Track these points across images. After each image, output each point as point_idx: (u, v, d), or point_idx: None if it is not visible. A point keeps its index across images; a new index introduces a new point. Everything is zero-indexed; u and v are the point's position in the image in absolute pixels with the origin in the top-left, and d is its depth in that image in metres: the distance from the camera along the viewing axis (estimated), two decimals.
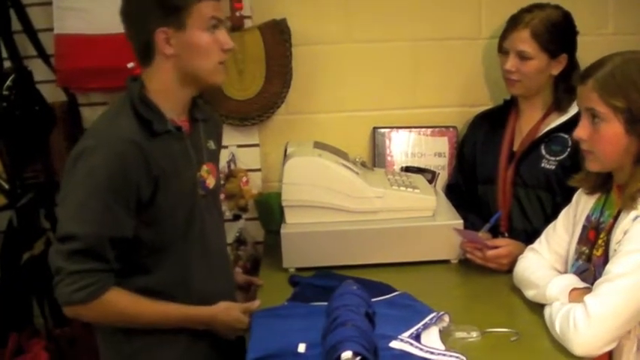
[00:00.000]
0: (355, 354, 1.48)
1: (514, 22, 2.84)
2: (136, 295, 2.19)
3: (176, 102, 2.27)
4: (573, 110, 2.78)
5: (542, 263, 2.38)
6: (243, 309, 2.32)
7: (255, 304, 2.35)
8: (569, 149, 2.79)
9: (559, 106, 2.87)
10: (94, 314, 2.17)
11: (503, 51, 2.90)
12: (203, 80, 2.26)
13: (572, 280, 2.19)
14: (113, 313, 2.18)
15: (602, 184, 2.25)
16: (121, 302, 2.17)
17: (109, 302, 2.13)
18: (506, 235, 2.86)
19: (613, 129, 2.09)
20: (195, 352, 2.36)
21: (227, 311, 2.30)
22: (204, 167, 2.33)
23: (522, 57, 2.81)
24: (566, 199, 2.45)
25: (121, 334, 2.27)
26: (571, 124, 2.70)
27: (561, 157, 2.81)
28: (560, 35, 2.81)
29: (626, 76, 2.07)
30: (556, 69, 2.85)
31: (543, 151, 2.85)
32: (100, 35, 3.00)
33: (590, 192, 2.29)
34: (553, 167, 2.81)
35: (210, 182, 2.36)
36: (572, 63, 2.86)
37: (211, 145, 2.42)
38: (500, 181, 2.92)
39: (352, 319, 1.59)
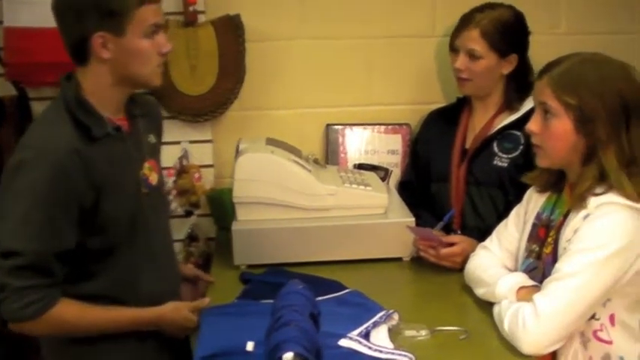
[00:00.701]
0: (297, 355, 1.47)
1: (465, 21, 2.86)
2: (83, 305, 2.15)
3: (113, 102, 2.22)
4: (525, 108, 2.80)
5: (493, 261, 2.38)
6: (192, 307, 2.29)
7: (205, 301, 2.32)
8: (521, 147, 2.80)
9: (509, 105, 2.89)
10: (42, 329, 2.13)
11: (453, 49, 2.91)
12: (140, 83, 2.24)
13: (521, 279, 2.20)
14: (62, 326, 2.14)
15: (555, 182, 2.26)
16: (69, 314, 2.13)
17: (57, 316, 2.10)
18: (459, 232, 2.87)
19: (563, 125, 2.09)
20: (144, 353, 2.33)
21: (175, 310, 2.27)
22: (146, 165, 2.29)
23: (472, 56, 2.82)
24: (519, 197, 2.45)
25: (66, 338, 2.23)
26: (523, 122, 2.69)
27: (514, 154, 2.82)
28: (510, 35, 2.83)
29: (581, 75, 2.08)
30: (506, 68, 2.86)
31: (496, 149, 2.85)
32: (52, 29, 2.93)
33: (542, 190, 2.30)
34: (505, 165, 2.82)
35: (153, 179, 2.32)
36: (524, 63, 2.88)
37: (152, 139, 2.39)
38: (453, 178, 2.92)
39: (296, 320, 1.58)
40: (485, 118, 2.93)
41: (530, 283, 2.17)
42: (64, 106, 2.13)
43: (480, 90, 2.91)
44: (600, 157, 2.07)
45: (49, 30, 2.92)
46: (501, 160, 2.83)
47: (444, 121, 3.07)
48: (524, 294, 2.13)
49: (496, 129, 2.88)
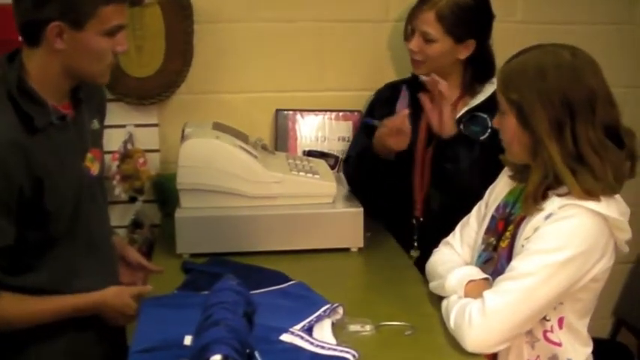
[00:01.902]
0: (225, 357, 1.40)
1: (422, 2, 2.78)
2: (22, 297, 2.08)
3: (58, 89, 2.11)
4: (489, 90, 2.76)
5: (453, 257, 2.33)
6: (134, 293, 2.22)
7: (147, 289, 2.27)
8: (489, 130, 2.74)
9: (469, 90, 2.83)
10: None
11: (408, 31, 2.86)
12: (87, 79, 2.15)
13: (471, 272, 2.15)
14: (3, 322, 2.07)
15: (523, 172, 2.19)
16: (10, 310, 2.07)
17: (1, 312, 2.05)
18: (422, 219, 2.83)
19: (508, 121, 2.06)
20: (81, 342, 2.26)
21: (117, 296, 2.21)
22: (89, 155, 2.21)
23: (426, 39, 2.75)
24: (487, 183, 2.39)
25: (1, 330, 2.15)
26: (489, 104, 2.68)
27: (482, 137, 2.76)
28: (467, 20, 2.75)
29: (522, 69, 2.03)
30: (462, 54, 2.79)
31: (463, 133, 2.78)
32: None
33: (512, 177, 2.23)
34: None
35: (95, 169, 2.24)
36: (483, 49, 2.81)
37: (95, 124, 2.31)
38: (418, 162, 2.86)
39: (226, 319, 1.51)
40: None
41: (481, 276, 2.12)
42: (5, 93, 2.01)
43: (435, 72, 2.81)
44: (544, 154, 2.01)
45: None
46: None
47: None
48: (472, 288, 2.07)
49: (462, 112, 2.82)
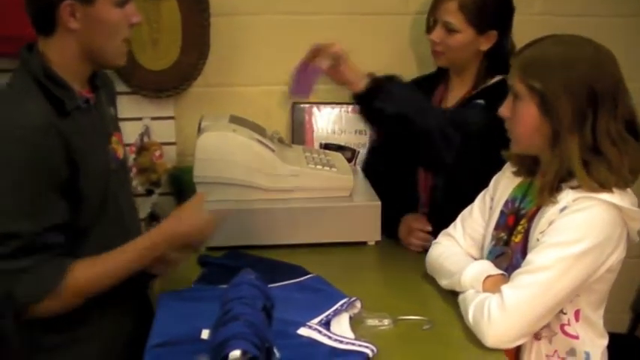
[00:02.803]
0: (244, 353, 1.39)
1: None
2: (93, 260, 2.05)
3: (79, 74, 2.12)
4: (493, 80, 2.74)
5: (456, 250, 2.31)
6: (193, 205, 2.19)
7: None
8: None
9: (481, 82, 2.78)
10: (65, 300, 2.01)
11: (430, 22, 2.82)
12: (104, 60, 2.13)
13: (487, 267, 2.13)
14: (83, 289, 2.04)
15: (529, 166, 2.18)
16: (87, 274, 2.03)
17: (76, 280, 2.01)
18: (426, 212, 2.80)
19: (528, 109, 2.03)
20: (117, 344, 2.25)
21: (183, 212, 2.17)
22: (114, 138, 2.22)
23: (448, 29, 2.72)
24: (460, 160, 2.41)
25: (38, 328, 2.11)
26: (487, 92, 2.68)
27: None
28: (489, 10, 2.71)
29: (547, 59, 2.01)
30: (484, 45, 2.75)
31: None
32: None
33: (517, 172, 2.22)
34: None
35: (120, 152, 2.25)
36: (504, 41, 2.77)
37: (112, 111, 2.32)
38: None
39: (245, 314, 1.50)
40: (460, 94, 2.83)
41: (497, 271, 2.10)
42: (31, 79, 2.02)
43: (455, 63, 2.81)
44: (562, 145, 1.99)
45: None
46: None
47: (421, 92, 2.95)
48: (491, 283, 2.06)
49: (459, 101, 2.79)
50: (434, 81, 2.95)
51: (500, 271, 2.10)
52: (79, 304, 2.06)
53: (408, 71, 3.14)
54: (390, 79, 2.56)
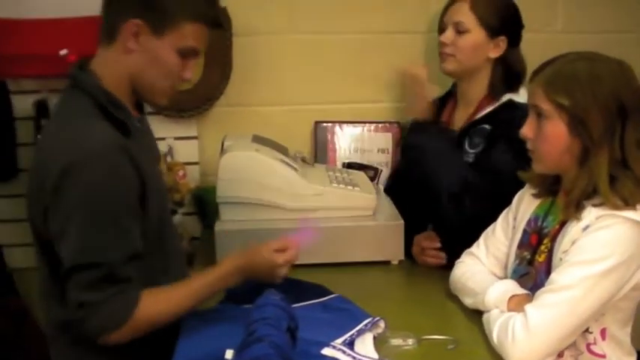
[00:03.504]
0: None
1: None
2: (163, 292, 2.04)
3: (127, 94, 2.09)
4: (501, 101, 2.72)
5: (480, 269, 2.31)
6: (274, 248, 2.15)
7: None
8: (485, 139, 2.69)
9: (492, 91, 2.76)
10: (134, 331, 2.00)
11: (441, 27, 2.82)
12: (147, 95, 2.12)
13: (511, 287, 2.12)
14: (152, 322, 2.02)
15: (550, 186, 2.18)
16: (156, 307, 2.02)
17: (144, 314, 1.98)
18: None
19: (556, 128, 2.01)
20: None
21: (257, 254, 2.14)
22: (169, 165, 2.23)
23: (459, 30, 2.73)
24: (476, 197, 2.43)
25: (75, 352, 2.12)
26: (494, 115, 2.68)
27: (479, 148, 2.71)
28: (501, 14, 2.73)
29: (573, 74, 2.00)
30: (494, 52, 2.75)
31: (466, 146, 2.74)
32: (31, 20, 2.89)
33: (537, 193, 2.22)
34: (470, 160, 2.70)
35: (164, 175, 2.25)
36: (513, 52, 2.77)
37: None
38: None
39: (270, 335, 1.50)
40: (466, 115, 2.82)
41: (522, 291, 2.09)
42: (90, 102, 2.01)
43: (463, 68, 2.79)
44: (591, 161, 1.99)
45: (29, 21, 2.92)
46: (468, 156, 2.71)
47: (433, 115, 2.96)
48: (516, 303, 2.05)
49: (465, 125, 2.78)
50: (444, 98, 2.97)
51: (525, 291, 2.09)
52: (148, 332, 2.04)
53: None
54: (435, 124, 2.67)
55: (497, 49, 2.75)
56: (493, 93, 2.77)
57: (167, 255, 2.20)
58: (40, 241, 2.07)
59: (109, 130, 1.97)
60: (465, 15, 2.72)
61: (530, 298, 2.03)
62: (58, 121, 2.06)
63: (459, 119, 2.86)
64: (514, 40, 2.78)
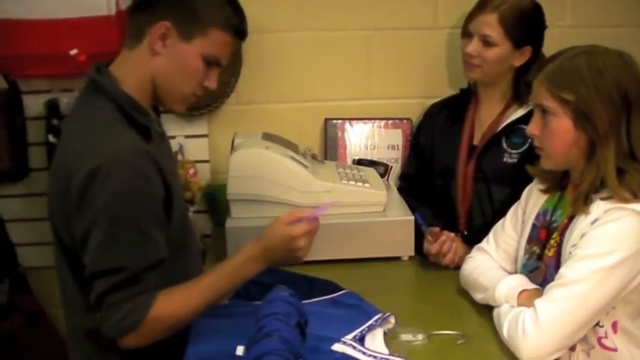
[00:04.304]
0: None
1: (483, 5, 2.75)
2: (176, 289, 2.01)
3: (145, 98, 2.08)
4: None
5: (490, 264, 2.31)
6: (289, 220, 2.09)
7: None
8: (530, 140, 2.68)
9: (518, 98, 2.79)
10: (154, 330, 1.98)
11: (466, 33, 2.81)
12: (166, 99, 2.10)
13: (521, 281, 2.12)
14: (171, 320, 2.00)
15: (559, 181, 2.18)
16: (171, 306, 2.00)
17: (158, 316, 1.96)
18: (466, 233, 2.78)
19: (562, 124, 2.02)
20: None
21: (273, 233, 2.09)
22: (179, 163, 2.23)
23: (486, 42, 2.72)
24: None
25: (94, 351, 2.12)
26: (530, 115, 2.64)
27: (523, 148, 2.72)
28: (527, 25, 2.73)
29: (574, 69, 2.00)
30: (518, 60, 2.76)
31: (505, 145, 2.76)
32: (41, 20, 2.90)
33: (545, 189, 2.22)
34: (515, 161, 2.72)
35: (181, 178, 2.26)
36: (537, 57, 2.77)
37: None
38: (460, 176, 2.83)
39: (279, 330, 1.51)
40: (493, 113, 2.84)
41: (531, 286, 2.10)
42: (113, 107, 2.00)
43: (487, 78, 2.80)
44: (598, 154, 1.99)
45: (39, 22, 2.93)
46: (511, 157, 2.74)
47: (448, 114, 2.98)
48: (526, 298, 2.05)
49: (504, 124, 2.79)
50: (462, 102, 2.95)
51: (535, 286, 2.09)
52: (168, 335, 2.03)
53: (437, 85, 3.16)
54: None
55: (521, 58, 2.76)
56: (517, 97, 2.79)
57: (187, 257, 2.21)
58: (60, 242, 2.07)
59: (134, 136, 1.97)
60: (493, 29, 2.71)
61: (540, 292, 2.04)
62: (83, 123, 2.03)
63: (486, 119, 2.86)
64: (538, 46, 2.78)
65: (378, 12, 3.22)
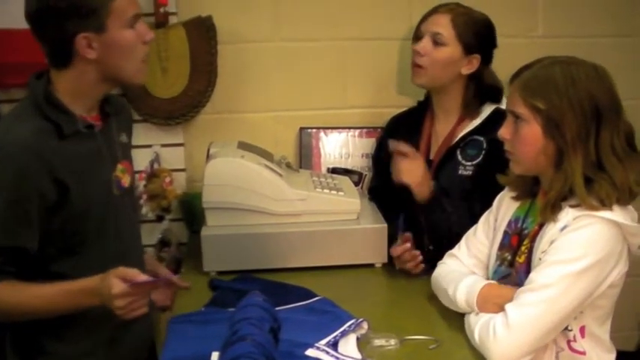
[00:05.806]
0: None
1: (436, 8, 2.79)
2: (21, 283, 2.06)
3: (89, 99, 2.17)
4: (486, 112, 2.76)
5: (458, 268, 2.34)
6: (119, 274, 2.00)
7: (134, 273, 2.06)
8: (483, 151, 2.72)
9: (468, 108, 2.81)
10: None
11: (417, 36, 2.82)
12: (126, 81, 2.20)
13: (479, 280, 2.19)
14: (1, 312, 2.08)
15: (529, 188, 2.22)
16: (7, 298, 2.05)
17: None
18: (431, 247, 2.68)
19: (532, 130, 2.04)
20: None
21: (104, 279, 2.02)
22: (120, 166, 2.25)
23: (436, 42, 2.74)
24: (486, 205, 2.39)
25: (32, 339, 2.18)
26: (485, 126, 2.71)
27: (477, 160, 2.74)
28: (479, 33, 2.76)
29: (549, 78, 2.03)
30: (466, 68, 2.78)
31: (459, 157, 2.77)
32: (21, 30, 2.88)
33: (516, 196, 2.25)
34: (470, 172, 2.74)
35: (126, 181, 2.27)
36: (485, 69, 2.80)
37: (124, 138, 2.35)
38: None
39: (252, 334, 1.54)
40: (448, 126, 2.85)
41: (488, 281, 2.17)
42: (31, 103, 2.08)
43: (434, 82, 2.81)
44: (566, 163, 2.02)
45: (18, 31, 2.89)
46: (465, 169, 2.75)
47: (407, 128, 2.96)
48: (487, 292, 2.11)
49: (459, 137, 2.79)
50: (419, 116, 2.96)
51: (492, 281, 2.15)
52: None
53: (410, 95, 3.19)
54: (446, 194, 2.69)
55: (469, 66, 2.78)
56: (467, 109, 2.81)
57: (110, 255, 2.19)
58: None
59: (30, 132, 2.02)
60: (444, 27, 2.74)
61: (500, 286, 2.10)
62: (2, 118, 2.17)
63: (442, 131, 2.87)
64: (487, 58, 2.81)
65: (352, 23, 3.25)
